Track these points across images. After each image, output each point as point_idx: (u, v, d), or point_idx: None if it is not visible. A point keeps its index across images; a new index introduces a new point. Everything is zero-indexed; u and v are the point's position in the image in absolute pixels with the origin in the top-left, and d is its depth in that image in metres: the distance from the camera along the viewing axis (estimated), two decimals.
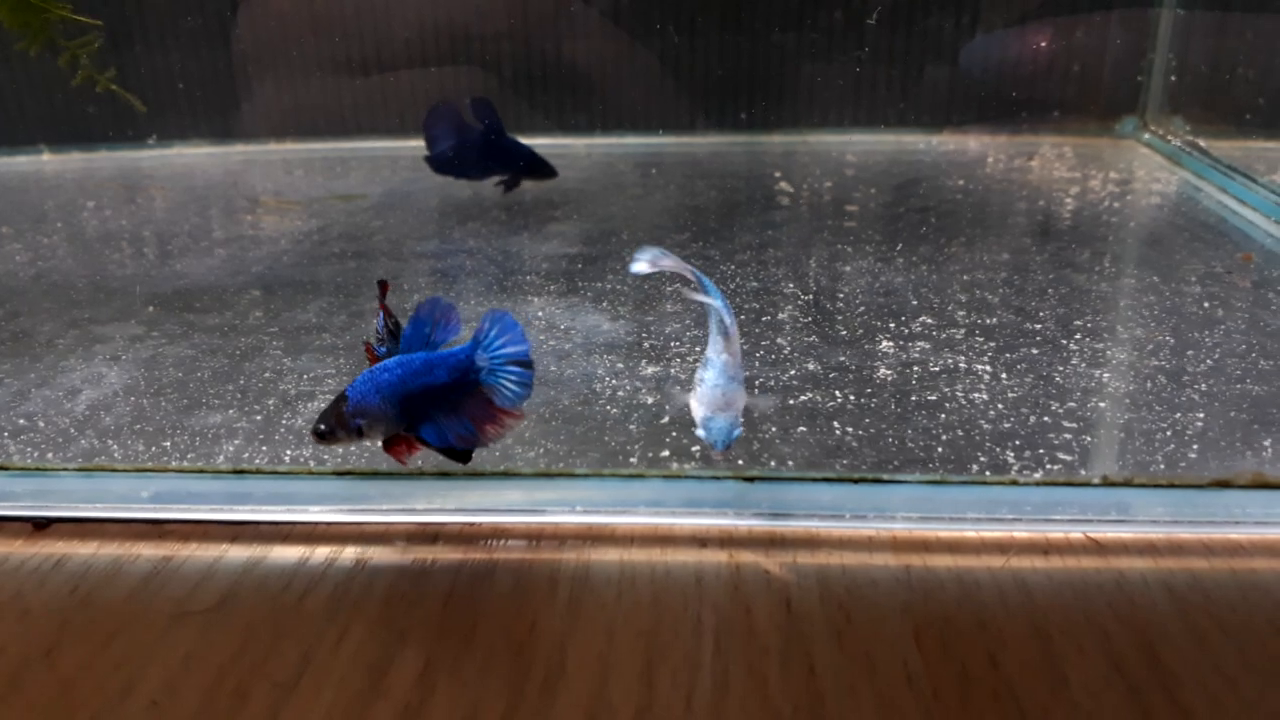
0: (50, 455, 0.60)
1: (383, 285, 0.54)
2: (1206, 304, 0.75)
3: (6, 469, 0.58)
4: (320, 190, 1.10)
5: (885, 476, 0.54)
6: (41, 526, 0.55)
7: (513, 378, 0.52)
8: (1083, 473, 0.55)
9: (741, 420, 0.54)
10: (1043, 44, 1.17)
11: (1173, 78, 1.16)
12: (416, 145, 1.22)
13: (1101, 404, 0.62)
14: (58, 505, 0.56)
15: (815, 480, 0.54)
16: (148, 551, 0.53)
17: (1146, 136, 1.17)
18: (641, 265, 0.59)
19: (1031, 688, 0.43)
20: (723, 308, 0.56)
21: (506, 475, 0.56)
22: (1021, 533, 0.52)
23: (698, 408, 0.54)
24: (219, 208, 1.06)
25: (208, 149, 1.24)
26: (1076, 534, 0.52)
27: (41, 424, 0.63)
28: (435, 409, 0.52)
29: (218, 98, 1.21)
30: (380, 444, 0.53)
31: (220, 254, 0.92)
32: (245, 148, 1.25)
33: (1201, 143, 1.11)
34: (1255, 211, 0.94)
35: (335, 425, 0.52)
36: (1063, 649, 0.45)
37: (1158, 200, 1.01)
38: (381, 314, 0.54)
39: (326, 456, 0.59)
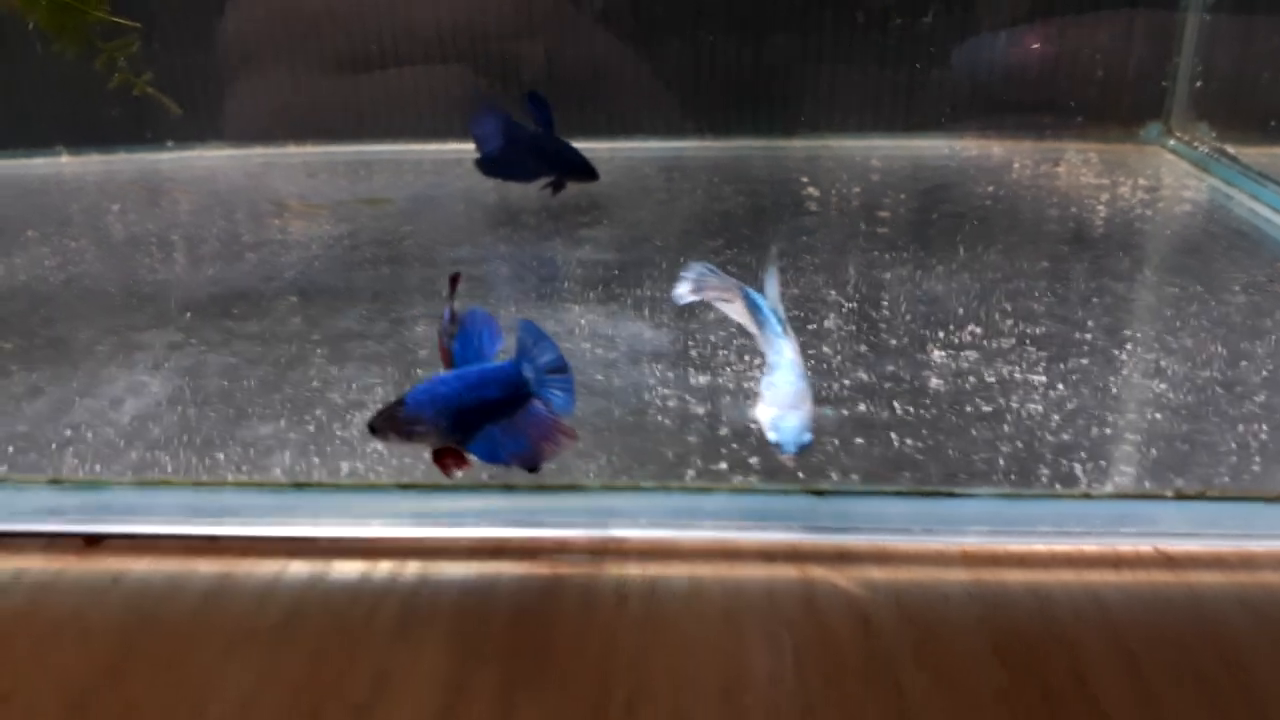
0: (98, 468, 0.59)
1: (453, 279, 0.55)
2: (1254, 314, 0.75)
3: (57, 483, 0.57)
4: (344, 194, 1.09)
5: (956, 490, 0.53)
6: (93, 542, 0.54)
7: (558, 385, 0.52)
8: (1149, 485, 0.55)
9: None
10: (1062, 49, 1.17)
11: (1198, 83, 1.15)
12: (439, 149, 1.22)
13: (1159, 415, 0.62)
14: (109, 520, 0.55)
15: (885, 494, 0.53)
16: (205, 567, 0.52)
17: (1171, 142, 1.17)
18: (685, 290, 0.62)
19: (1118, 703, 0.42)
20: (775, 320, 0.57)
21: (569, 488, 0.55)
22: (1091, 546, 0.52)
23: (766, 409, 0.54)
24: (244, 211, 1.05)
25: (227, 151, 1.22)
26: (1146, 547, 0.51)
27: (89, 435, 0.62)
28: (489, 424, 0.52)
29: (236, 100, 1.20)
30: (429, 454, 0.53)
31: (251, 259, 0.91)
32: (265, 150, 1.23)
33: (1229, 149, 1.10)
34: None
35: (387, 426, 0.52)
36: (1145, 664, 0.44)
37: (1189, 208, 1.01)
38: (448, 308, 0.54)
39: (381, 468, 0.58)
